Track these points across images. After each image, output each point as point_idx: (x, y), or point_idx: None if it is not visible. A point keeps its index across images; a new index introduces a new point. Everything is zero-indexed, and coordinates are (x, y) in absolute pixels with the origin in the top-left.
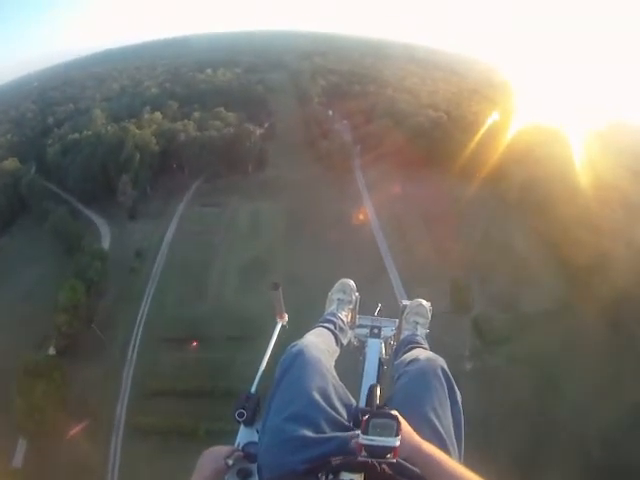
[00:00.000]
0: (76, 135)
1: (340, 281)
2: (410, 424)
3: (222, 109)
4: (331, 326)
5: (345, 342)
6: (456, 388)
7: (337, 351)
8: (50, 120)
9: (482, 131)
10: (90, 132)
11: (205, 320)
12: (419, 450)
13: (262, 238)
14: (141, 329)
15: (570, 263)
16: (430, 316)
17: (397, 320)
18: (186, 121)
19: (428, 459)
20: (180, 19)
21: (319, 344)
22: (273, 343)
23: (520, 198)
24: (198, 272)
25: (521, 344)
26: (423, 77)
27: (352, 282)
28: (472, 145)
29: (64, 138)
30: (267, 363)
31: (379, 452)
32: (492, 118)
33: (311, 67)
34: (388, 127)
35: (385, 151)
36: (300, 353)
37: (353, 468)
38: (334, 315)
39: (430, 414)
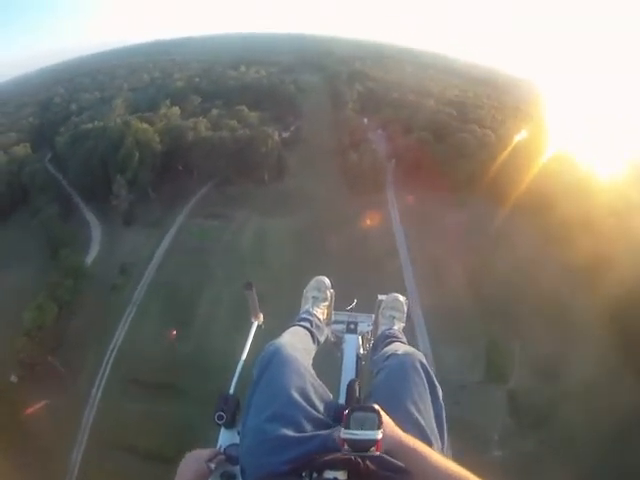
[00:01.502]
0: (89, 125)
1: (315, 279)
2: (391, 418)
3: (244, 107)
4: (307, 324)
5: (322, 339)
6: (436, 382)
7: (314, 349)
8: (73, 107)
9: (530, 155)
10: (102, 124)
11: (184, 363)
12: (401, 443)
13: (267, 265)
14: (111, 362)
15: (624, 319)
16: (406, 310)
17: (373, 315)
18: (200, 118)
19: (411, 452)
20: (226, 17)
21: (295, 343)
22: (249, 343)
23: (569, 236)
24: (185, 300)
25: (563, 426)
26: (464, 90)
27: (327, 279)
28: (520, 170)
29: (77, 127)
30: (245, 363)
31: (362, 446)
32: (540, 141)
33: (349, 71)
34: (428, 142)
35: (423, 169)
36: (277, 352)
37: (336, 465)
38: (309, 313)
39: (411, 408)
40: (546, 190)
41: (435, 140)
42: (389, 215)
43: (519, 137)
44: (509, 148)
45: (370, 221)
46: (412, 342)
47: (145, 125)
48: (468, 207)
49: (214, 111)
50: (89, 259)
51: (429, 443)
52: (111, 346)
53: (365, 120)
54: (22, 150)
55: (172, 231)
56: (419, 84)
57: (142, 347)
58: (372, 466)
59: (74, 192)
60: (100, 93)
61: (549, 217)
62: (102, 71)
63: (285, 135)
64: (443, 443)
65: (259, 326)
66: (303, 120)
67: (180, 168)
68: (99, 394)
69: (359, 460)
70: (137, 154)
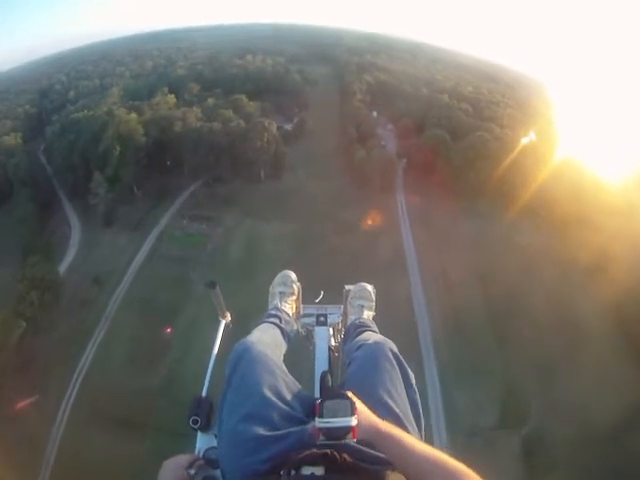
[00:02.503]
0: (78, 115)
1: (280, 273)
2: (365, 405)
3: (243, 97)
4: (276, 320)
5: (292, 334)
6: (408, 369)
7: (285, 345)
8: (71, 94)
9: (551, 158)
10: (90, 113)
11: (154, 396)
12: (377, 429)
13: (258, 281)
14: (77, 390)
15: None
16: (374, 298)
17: (342, 306)
18: (194, 108)
19: (387, 437)
20: (237, 7)
21: (265, 339)
22: (218, 343)
23: (600, 258)
24: (160, 320)
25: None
26: (478, 86)
27: (292, 273)
28: (541, 174)
29: (67, 116)
30: (215, 363)
31: (337, 433)
32: (559, 143)
33: (358, 61)
34: (444, 141)
35: (437, 171)
36: (246, 351)
37: (314, 461)
38: (277, 309)
39: (384, 395)
40: (570, 198)
41: (451, 139)
42: (398, 221)
43: (538, 138)
44: (529, 150)
45: (377, 228)
46: (418, 373)
47: (130, 115)
48: (486, 215)
49: (210, 100)
50: (63, 266)
51: (405, 429)
52: (77, 370)
53: (374, 113)
54: (12, 140)
55: (153, 235)
56: (432, 78)
57: (109, 375)
58: (349, 459)
59: (59, 187)
60: (100, 80)
61: (576, 229)
62: (107, 58)
63: (287, 127)
64: (420, 428)
65: (227, 325)
66: (308, 111)
67: (168, 163)
68: (62, 428)
69: (335, 454)
70: (118, 148)
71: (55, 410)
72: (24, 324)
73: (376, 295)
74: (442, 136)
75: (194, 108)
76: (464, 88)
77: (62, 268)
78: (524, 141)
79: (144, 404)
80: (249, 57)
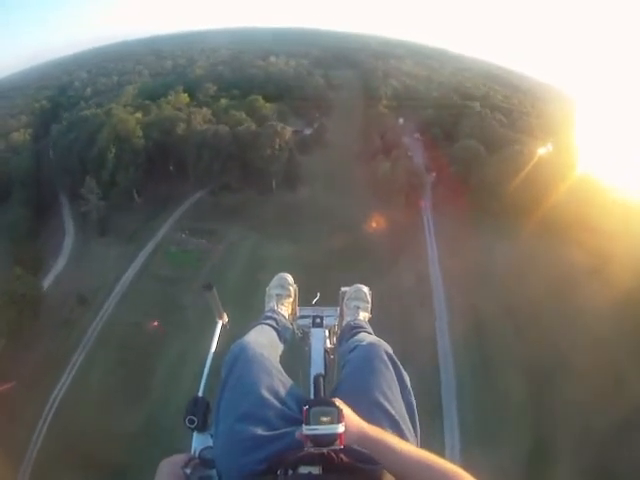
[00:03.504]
0: (85, 113)
1: (277, 276)
2: (360, 410)
3: (259, 98)
4: (272, 322)
5: (288, 336)
6: (403, 371)
7: (281, 347)
8: (88, 91)
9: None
10: (94, 111)
11: (134, 438)
12: (366, 435)
13: (255, 310)
14: (43, 435)
15: None
16: (370, 300)
17: (338, 308)
18: (204, 109)
19: (377, 443)
20: (261, 10)
21: (261, 340)
22: (215, 344)
23: None
24: (144, 352)
25: None
26: (508, 96)
27: (289, 275)
28: (588, 195)
29: (75, 114)
30: (211, 364)
31: (324, 441)
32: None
33: (384, 66)
34: (479, 154)
35: (470, 188)
36: (243, 351)
37: (310, 461)
38: (274, 311)
39: (380, 398)
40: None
41: (486, 152)
42: (425, 246)
43: (575, 154)
44: (570, 166)
45: (400, 253)
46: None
47: (128, 115)
48: (525, 238)
49: (222, 101)
50: (49, 280)
51: (400, 431)
52: (46, 410)
53: (401, 120)
54: (20, 136)
55: (149, 248)
56: (460, 85)
57: (82, 418)
58: (346, 459)
59: (60, 190)
60: (118, 78)
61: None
62: (129, 57)
63: (307, 132)
64: (415, 430)
65: (224, 326)
66: (330, 117)
67: (171, 168)
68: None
69: (332, 454)
70: (113, 150)
71: (22, 451)
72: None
73: (372, 297)
74: (476, 148)
75: (204, 109)
76: (494, 97)
77: (48, 281)
78: (564, 157)
79: (119, 448)
80: (272, 59)
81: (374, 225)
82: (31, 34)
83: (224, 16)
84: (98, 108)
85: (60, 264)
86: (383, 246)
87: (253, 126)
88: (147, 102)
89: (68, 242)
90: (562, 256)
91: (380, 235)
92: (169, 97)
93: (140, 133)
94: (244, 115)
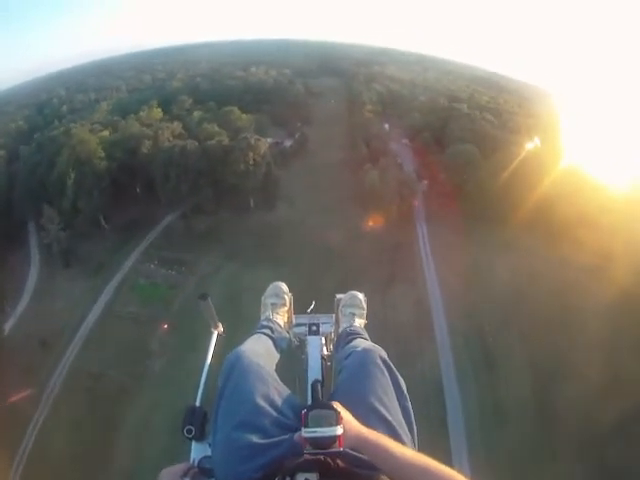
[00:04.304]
0: (56, 132)
1: (272, 285)
2: (356, 415)
3: (234, 109)
4: (268, 331)
5: (284, 345)
6: (399, 376)
7: (277, 355)
8: (64, 109)
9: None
10: (59, 131)
11: None
12: (364, 438)
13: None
14: None
15: None
16: (366, 306)
17: (333, 315)
18: (175, 123)
19: (375, 446)
20: (245, 23)
21: (257, 349)
22: (211, 353)
23: None
24: (109, 408)
25: None
26: (494, 97)
27: (284, 284)
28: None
29: (43, 134)
30: (208, 374)
31: (323, 443)
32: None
33: (368, 72)
34: (473, 158)
35: (465, 195)
36: (238, 360)
37: (307, 467)
38: (269, 320)
39: (375, 403)
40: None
41: (481, 155)
42: (420, 263)
43: (571, 154)
44: (570, 168)
45: (393, 274)
46: None
47: (88, 135)
48: (529, 248)
49: (195, 113)
50: (12, 321)
51: (397, 436)
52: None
53: (386, 126)
54: None
55: (115, 281)
56: (445, 88)
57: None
58: (343, 464)
59: (28, 218)
60: (95, 94)
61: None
62: (109, 73)
63: (287, 144)
64: (412, 435)
65: (219, 335)
66: (312, 125)
67: (138, 190)
68: None
69: (329, 460)
70: (72, 175)
71: None
72: None
73: (367, 303)
74: (470, 152)
75: (175, 123)
76: (480, 99)
77: (10, 323)
78: (561, 156)
79: None
80: (253, 69)
81: (364, 243)
82: (15, 52)
83: (207, 30)
84: (68, 127)
85: (24, 302)
86: (375, 270)
87: (226, 140)
88: (116, 119)
89: (33, 276)
90: (568, 263)
91: (371, 255)
92: (141, 113)
93: (102, 154)
94: (217, 128)
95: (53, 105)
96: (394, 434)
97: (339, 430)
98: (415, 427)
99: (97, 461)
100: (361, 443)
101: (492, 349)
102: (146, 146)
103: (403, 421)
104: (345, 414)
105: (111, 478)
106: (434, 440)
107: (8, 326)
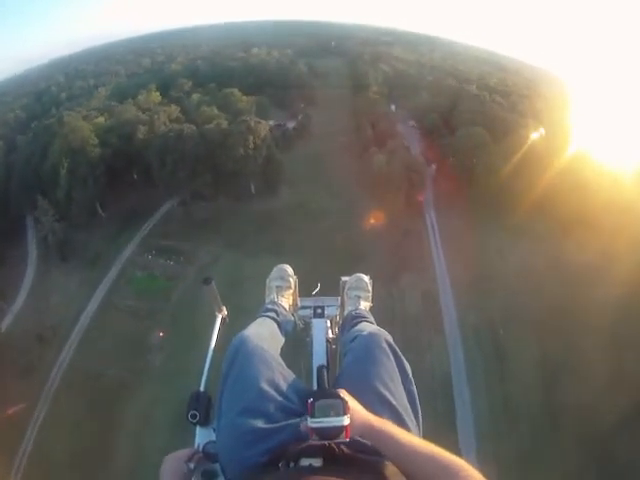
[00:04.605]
0: (50, 121)
1: (276, 267)
2: (361, 401)
3: (234, 90)
4: (273, 314)
5: (289, 327)
6: (404, 360)
7: (282, 338)
8: (63, 96)
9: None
10: (52, 120)
11: None
12: (371, 426)
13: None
14: None
15: None
16: (371, 289)
17: (339, 297)
18: (172, 107)
19: (381, 434)
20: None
21: (262, 333)
22: (215, 337)
23: None
24: (109, 401)
25: None
26: (502, 79)
27: (289, 267)
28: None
29: (40, 123)
30: (212, 358)
31: (330, 433)
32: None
33: (373, 52)
34: (484, 141)
35: (476, 180)
36: (243, 344)
37: (312, 453)
38: (274, 303)
39: (380, 388)
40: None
41: (492, 139)
42: (429, 252)
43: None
44: (582, 153)
45: (401, 263)
46: None
47: (81, 122)
48: (544, 236)
49: (194, 96)
50: (9, 319)
51: (402, 421)
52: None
53: (393, 107)
54: None
55: (112, 274)
56: (453, 68)
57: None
58: (348, 450)
59: (26, 210)
60: (94, 80)
61: None
62: (108, 58)
63: (290, 125)
64: (417, 419)
65: (223, 319)
66: (316, 107)
67: (135, 177)
68: None
69: (334, 446)
70: (66, 164)
71: None
72: None
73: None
74: (481, 135)
75: (172, 107)
76: (489, 80)
77: (8, 321)
78: (573, 142)
79: None
80: (254, 50)
81: (370, 231)
82: (13, 41)
83: (207, 12)
84: (60, 115)
85: (20, 299)
86: (382, 258)
87: (225, 123)
88: (114, 104)
89: (30, 271)
90: (582, 250)
91: (378, 244)
92: (139, 97)
93: (96, 141)
94: (216, 111)
95: (52, 93)
96: (399, 419)
97: (346, 420)
98: (420, 411)
99: (98, 457)
100: (367, 430)
101: (502, 341)
102: (142, 132)
103: (408, 406)
104: (352, 403)
105: (112, 472)
106: (441, 437)
107: (5, 323)
